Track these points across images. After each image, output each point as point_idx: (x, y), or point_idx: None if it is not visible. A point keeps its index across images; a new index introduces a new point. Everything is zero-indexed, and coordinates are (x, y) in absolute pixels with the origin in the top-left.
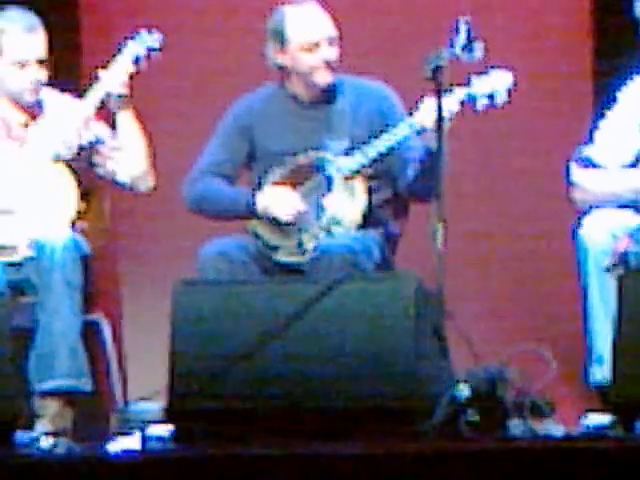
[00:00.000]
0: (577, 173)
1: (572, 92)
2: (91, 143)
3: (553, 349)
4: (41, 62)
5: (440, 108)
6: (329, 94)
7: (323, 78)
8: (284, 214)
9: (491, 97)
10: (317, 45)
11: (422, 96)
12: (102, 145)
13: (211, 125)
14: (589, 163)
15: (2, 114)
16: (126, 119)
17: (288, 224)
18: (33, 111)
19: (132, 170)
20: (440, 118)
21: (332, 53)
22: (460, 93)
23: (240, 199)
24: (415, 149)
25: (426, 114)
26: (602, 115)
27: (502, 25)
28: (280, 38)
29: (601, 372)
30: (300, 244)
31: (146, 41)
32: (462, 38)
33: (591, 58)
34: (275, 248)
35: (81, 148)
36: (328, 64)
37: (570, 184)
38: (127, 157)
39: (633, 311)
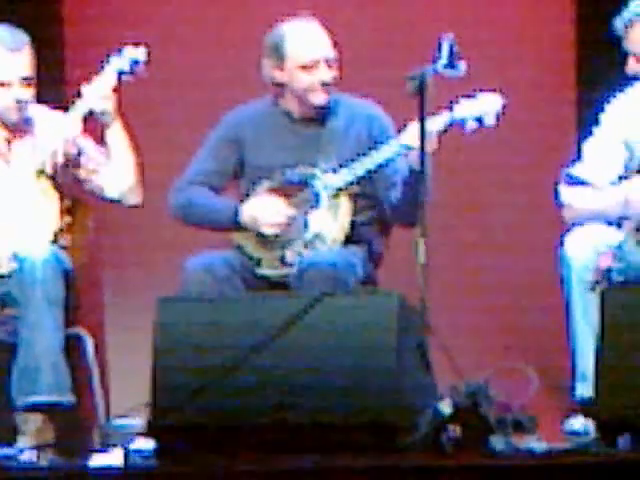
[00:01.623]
0: (565, 192)
1: (555, 105)
2: (76, 158)
3: (536, 363)
4: (26, 81)
5: (423, 125)
6: (322, 113)
7: (318, 99)
8: (271, 221)
9: (479, 120)
10: (315, 65)
11: (409, 117)
12: (88, 160)
13: (198, 137)
14: (577, 181)
15: None
16: (114, 133)
17: (273, 235)
18: (20, 128)
19: (120, 184)
20: (423, 135)
21: (329, 74)
22: (447, 115)
23: (226, 209)
24: (401, 171)
25: (413, 135)
26: (587, 130)
27: (485, 40)
28: (278, 55)
29: (585, 388)
30: (283, 258)
31: (130, 55)
32: (446, 54)
33: (574, 71)
34: (258, 261)
35: (66, 163)
36: (324, 85)
37: (559, 203)
38: (115, 171)
39: (615, 327)
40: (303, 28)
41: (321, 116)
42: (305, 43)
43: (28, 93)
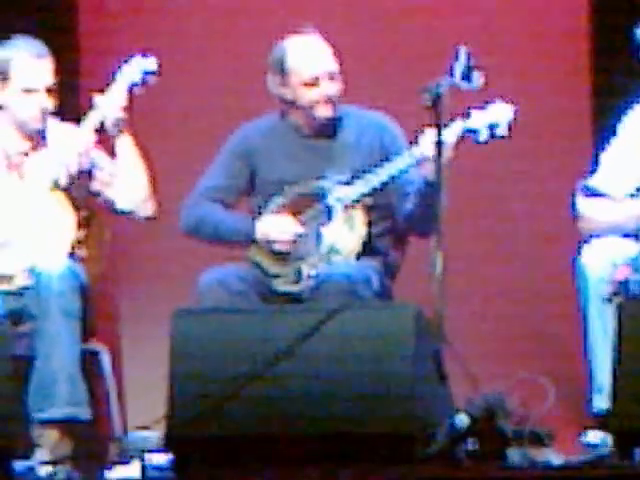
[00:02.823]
0: (582, 203)
1: (571, 115)
2: (89, 170)
3: (552, 374)
4: (49, 90)
5: (440, 138)
6: (331, 126)
7: (324, 112)
8: (283, 240)
9: (492, 129)
10: (318, 80)
11: (422, 128)
12: (100, 172)
13: (213, 148)
14: (594, 193)
15: (3, 144)
16: (125, 144)
17: (287, 252)
18: (35, 140)
19: (132, 196)
20: (439, 148)
21: (333, 88)
22: (461, 125)
23: (239, 226)
24: (415, 182)
25: (427, 146)
26: (603, 140)
27: (500, 50)
28: (281, 72)
29: (601, 400)
30: (299, 272)
31: (141, 65)
32: (461, 67)
33: (590, 81)
34: (274, 276)
35: (80, 175)
36: (329, 99)
37: (575, 214)
38: (127, 183)
39: (632, 339)
40: (303, 44)
41: (330, 129)
42: (306, 59)
43: (51, 103)
